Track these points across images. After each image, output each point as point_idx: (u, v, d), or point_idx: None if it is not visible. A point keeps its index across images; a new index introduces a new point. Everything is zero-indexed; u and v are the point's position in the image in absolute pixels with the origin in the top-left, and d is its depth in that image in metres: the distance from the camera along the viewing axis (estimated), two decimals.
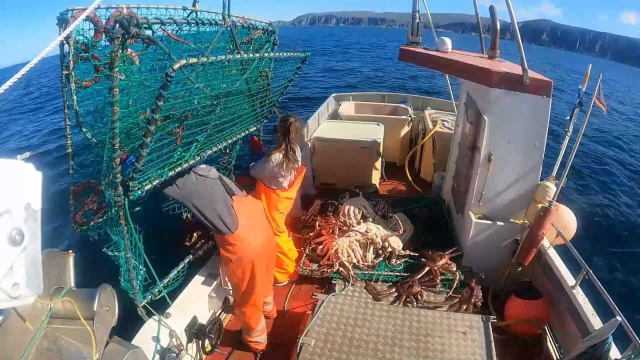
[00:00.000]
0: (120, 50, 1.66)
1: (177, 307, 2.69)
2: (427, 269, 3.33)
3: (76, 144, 2.20)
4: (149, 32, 1.76)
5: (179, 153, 2.30)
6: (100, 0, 1.44)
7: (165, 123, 2.06)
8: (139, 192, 2.06)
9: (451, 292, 3.20)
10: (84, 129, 2.18)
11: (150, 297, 2.49)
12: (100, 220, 2.32)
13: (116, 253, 2.26)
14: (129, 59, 1.87)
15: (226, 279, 3.02)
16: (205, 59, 1.84)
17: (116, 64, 1.65)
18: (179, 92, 2.07)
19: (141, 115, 2.06)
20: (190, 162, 2.40)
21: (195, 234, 3.08)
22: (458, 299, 3.12)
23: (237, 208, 2.52)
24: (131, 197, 2.03)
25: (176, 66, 1.67)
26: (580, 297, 2.61)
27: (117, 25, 1.61)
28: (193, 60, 1.75)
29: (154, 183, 2.18)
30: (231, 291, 3.07)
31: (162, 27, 1.90)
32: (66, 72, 1.90)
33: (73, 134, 2.18)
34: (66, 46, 1.84)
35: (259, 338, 2.94)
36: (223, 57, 2.00)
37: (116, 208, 2.03)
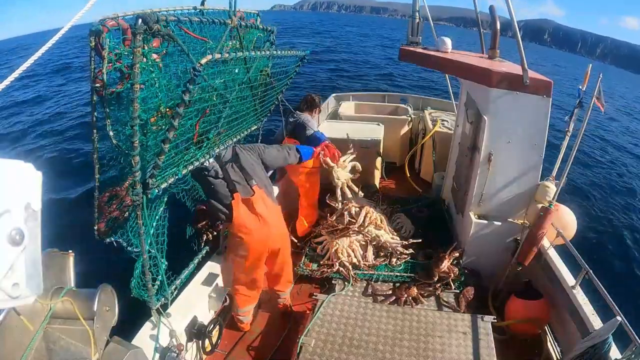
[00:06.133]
0: (142, 47, 1.65)
1: (177, 307, 2.69)
2: (436, 276, 3.27)
3: (103, 157, 2.15)
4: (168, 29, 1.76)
5: (192, 150, 2.32)
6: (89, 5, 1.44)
7: (184, 119, 2.05)
8: (157, 190, 2.07)
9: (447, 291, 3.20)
10: (110, 133, 2.10)
11: (163, 300, 2.50)
12: (121, 223, 2.28)
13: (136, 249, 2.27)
14: (155, 62, 1.86)
15: (228, 278, 3.11)
16: (227, 55, 1.87)
17: (137, 59, 1.64)
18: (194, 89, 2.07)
19: (152, 117, 2.05)
20: (201, 160, 2.44)
21: (201, 226, 3.09)
22: (455, 300, 3.13)
23: (235, 205, 2.65)
24: (149, 196, 2.04)
25: (203, 61, 1.70)
26: (580, 297, 2.61)
27: (140, 21, 1.60)
28: (218, 55, 1.77)
29: (169, 181, 2.20)
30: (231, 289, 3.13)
31: (180, 25, 1.90)
32: (97, 85, 1.83)
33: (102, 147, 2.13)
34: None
35: (243, 317, 3.11)
36: (241, 53, 2.05)
37: (134, 207, 2.03)
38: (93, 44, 1.71)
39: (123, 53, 1.77)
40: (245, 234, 2.72)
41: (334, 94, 7.33)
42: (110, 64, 1.77)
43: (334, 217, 4.05)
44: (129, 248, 2.28)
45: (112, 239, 2.26)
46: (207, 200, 2.78)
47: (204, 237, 3.11)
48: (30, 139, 11.39)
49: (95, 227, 2.20)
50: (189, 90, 1.74)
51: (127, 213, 2.19)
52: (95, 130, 2.03)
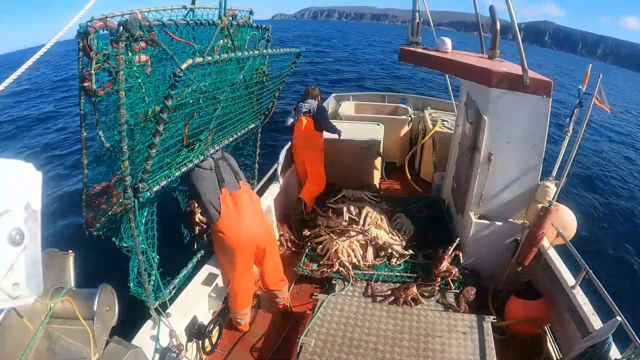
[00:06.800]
0: (125, 53, 1.67)
1: (177, 307, 2.70)
2: (437, 277, 3.28)
3: (91, 154, 2.20)
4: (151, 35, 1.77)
5: (184, 153, 2.32)
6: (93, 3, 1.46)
7: (173, 123, 2.07)
8: (148, 193, 2.07)
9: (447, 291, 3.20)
10: (101, 135, 2.14)
11: (161, 299, 2.51)
12: (109, 215, 2.31)
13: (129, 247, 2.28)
14: (140, 64, 1.87)
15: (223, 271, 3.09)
16: (210, 58, 1.84)
17: (121, 66, 1.65)
18: (181, 92, 2.08)
19: (141, 115, 2.05)
20: (195, 162, 2.44)
21: (197, 226, 3.10)
22: (455, 300, 3.13)
23: (222, 200, 2.65)
24: (140, 199, 2.04)
25: (184, 66, 1.68)
26: (580, 297, 2.61)
27: (121, 28, 1.61)
28: (199, 59, 1.76)
29: (162, 184, 2.20)
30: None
31: (164, 28, 1.91)
32: (86, 84, 1.86)
33: (90, 145, 2.18)
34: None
35: (241, 320, 3.10)
36: (226, 55, 2.02)
37: (126, 211, 2.05)
38: (81, 44, 1.73)
39: (111, 54, 1.79)
40: (231, 231, 2.68)
41: (334, 94, 7.32)
42: (98, 64, 1.79)
43: (334, 217, 4.06)
44: (117, 243, 2.30)
45: (101, 232, 2.29)
46: (196, 197, 2.74)
47: (198, 233, 3.12)
48: (30, 141, 11.41)
49: (84, 220, 2.22)
50: (171, 96, 1.74)
51: (115, 207, 2.22)
52: (83, 128, 2.05)
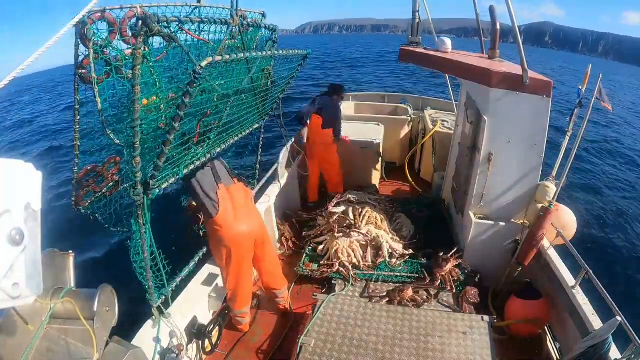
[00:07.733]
0: (142, 48, 1.67)
1: (177, 307, 2.70)
2: (439, 277, 3.28)
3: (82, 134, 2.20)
4: (167, 31, 1.77)
5: (193, 151, 2.33)
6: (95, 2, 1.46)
7: (186, 120, 2.07)
8: (158, 190, 2.07)
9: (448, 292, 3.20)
10: (109, 132, 2.14)
11: (163, 298, 2.51)
12: (99, 196, 2.34)
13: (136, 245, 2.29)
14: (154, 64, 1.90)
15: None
16: (228, 57, 1.85)
17: (138, 61, 1.65)
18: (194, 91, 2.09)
19: (144, 100, 2.06)
20: (202, 160, 2.45)
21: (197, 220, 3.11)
22: (455, 300, 3.13)
23: (220, 195, 2.65)
24: (150, 196, 2.04)
25: (204, 63, 1.68)
26: (580, 297, 2.61)
27: (140, 22, 1.61)
28: (218, 57, 1.76)
29: (170, 181, 2.21)
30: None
31: (181, 25, 1.91)
32: (80, 71, 1.89)
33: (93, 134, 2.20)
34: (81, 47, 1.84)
35: (241, 319, 3.09)
36: (242, 54, 2.03)
37: (135, 208, 2.05)
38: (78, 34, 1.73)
39: (108, 45, 1.81)
40: (229, 225, 2.66)
41: None
42: (96, 55, 1.81)
43: (335, 218, 4.06)
44: (105, 225, 2.34)
45: (89, 212, 2.31)
46: (195, 193, 2.69)
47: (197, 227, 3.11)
48: (30, 142, 11.42)
49: (73, 198, 2.25)
50: (189, 93, 1.73)
51: (106, 189, 2.27)
52: (77, 112, 2.07)
